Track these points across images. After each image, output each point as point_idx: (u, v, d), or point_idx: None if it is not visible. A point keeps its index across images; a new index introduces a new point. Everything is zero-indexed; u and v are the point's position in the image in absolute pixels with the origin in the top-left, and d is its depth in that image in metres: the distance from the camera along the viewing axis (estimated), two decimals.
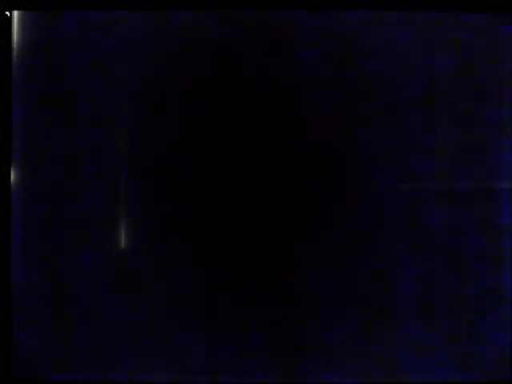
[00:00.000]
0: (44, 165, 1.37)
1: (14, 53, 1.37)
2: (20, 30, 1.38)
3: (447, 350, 1.36)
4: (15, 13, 1.38)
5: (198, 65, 1.37)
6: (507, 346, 1.36)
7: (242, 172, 1.36)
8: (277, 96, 1.36)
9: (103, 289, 1.36)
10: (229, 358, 1.36)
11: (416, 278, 1.36)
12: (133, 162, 1.37)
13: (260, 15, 1.37)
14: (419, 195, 1.36)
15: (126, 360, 1.36)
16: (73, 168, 1.37)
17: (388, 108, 1.37)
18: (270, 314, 1.36)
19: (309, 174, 1.36)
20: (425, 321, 1.36)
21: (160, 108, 1.37)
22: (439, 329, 1.36)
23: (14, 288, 1.36)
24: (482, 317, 1.36)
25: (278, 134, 1.36)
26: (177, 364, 1.37)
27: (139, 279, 1.36)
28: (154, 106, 1.37)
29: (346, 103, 1.36)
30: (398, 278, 1.36)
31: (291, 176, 1.36)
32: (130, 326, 1.36)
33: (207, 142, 1.36)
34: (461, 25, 1.38)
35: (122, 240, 1.36)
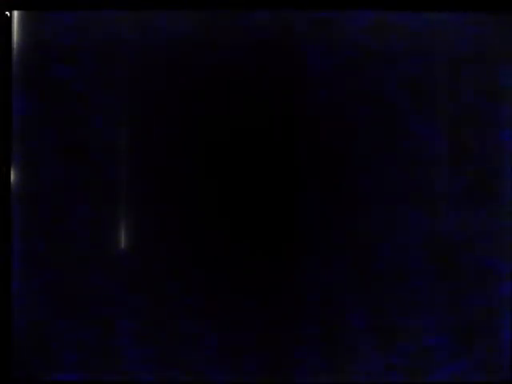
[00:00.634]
0: (44, 165, 1.37)
1: (14, 53, 1.37)
2: (20, 30, 1.38)
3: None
4: (15, 13, 1.38)
5: (198, 65, 1.37)
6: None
7: (241, 172, 1.36)
8: (277, 96, 1.37)
9: (103, 289, 1.36)
10: (228, 357, 1.36)
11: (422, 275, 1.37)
12: (133, 161, 1.37)
13: (260, 15, 1.38)
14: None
15: (121, 361, 1.37)
16: (73, 168, 1.37)
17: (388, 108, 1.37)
18: (270, 313, 1.36)
19: (309, 173, 1.36)
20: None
21: (160, 108, 1.37)
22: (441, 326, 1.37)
23: (14, 288, 1.36)
24: None
25: (278, 134, 1.36)
26: (176, 364, 1.37)
27: (139, 279, 1.36)
28: (154, 106, 1.37)
29: (346, 103, 1.37)
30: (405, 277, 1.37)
31: (291, 176, 1.36)
32: (130, 326, 1.36)
33: (207, 142, 1.36)
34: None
35: (122, 240, 1.37)
